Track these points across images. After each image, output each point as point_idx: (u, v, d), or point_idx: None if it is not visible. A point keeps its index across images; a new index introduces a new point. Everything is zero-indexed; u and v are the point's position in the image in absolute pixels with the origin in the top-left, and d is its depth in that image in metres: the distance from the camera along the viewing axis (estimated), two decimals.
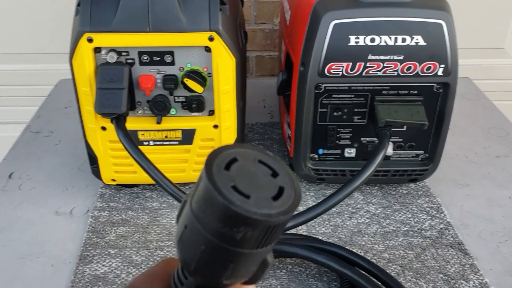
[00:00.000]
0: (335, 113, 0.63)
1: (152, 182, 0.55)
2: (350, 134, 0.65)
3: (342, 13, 0.58)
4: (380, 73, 0.59)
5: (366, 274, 0.52)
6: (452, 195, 0.70)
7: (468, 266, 0.58)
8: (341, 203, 0.67)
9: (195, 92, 0.59)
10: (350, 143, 0.66)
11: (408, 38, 0.58)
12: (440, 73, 0.59)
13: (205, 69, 0.59)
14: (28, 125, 0.86)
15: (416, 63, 0.59)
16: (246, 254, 0.22)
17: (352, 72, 0.59)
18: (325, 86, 0.61)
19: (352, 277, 0.52)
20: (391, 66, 0.59)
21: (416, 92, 0.61)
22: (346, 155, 0.67)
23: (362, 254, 0.60)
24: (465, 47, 1.18)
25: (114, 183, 0.67)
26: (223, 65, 0.58)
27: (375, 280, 0.52)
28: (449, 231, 0.63)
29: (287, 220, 0.22)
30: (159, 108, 0.60)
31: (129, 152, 0.54)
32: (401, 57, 0.58)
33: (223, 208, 0.20)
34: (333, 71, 0.59)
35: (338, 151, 0.67)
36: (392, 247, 0.61)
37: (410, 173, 0.67)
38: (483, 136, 0.83)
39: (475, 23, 1.18)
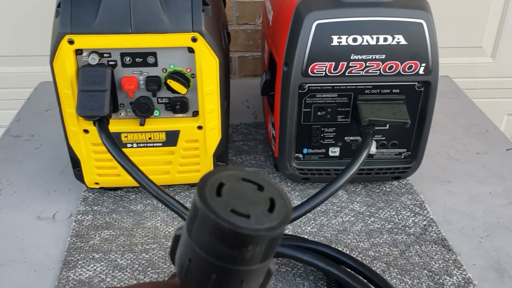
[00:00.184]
0: (319, 113, 0.64)
1: (136, 184, 0.55)
2: (334, 134, 0.66)
3: (324, 13, 0.58)
4: (362, 73, 0.60)
5: (352, 272, 0.53)
6: (435, 192, 0.71)
7: (451, 261, 0.59)
8: (326, 202, 0.67)
9: (179, 93, 0.59)
10: (334, 142, 0.66)
11: (389, 37, 0.58)
12: (421, 72, 0.60)
13: (188, 70, 0.59)
14: (8, 128, 0.84)
15: (398, 62, 0.59)
16: (255, 269, 0.23)
17: (335, 72, 0.60)
18: (309, 86, 0.61)
19: (338, 275, 0.52)
20: (373, 66, 0.60)
21: (398, 91, 0.62)
22: (331, 154, 0.67)
23: (347, 251, 0.60)
24: (445, 46, 1.20)
25: (98, 186, 0.66)
26: (207, 66, 0.58)
27: (361, 278, 0.52)
28: (432, 228, 0.64)
29: (285, 228, 0.23)
30: (142, 110, 0.60)
31: (112, 155, 0.53)
32: (383, 56, 0.59)
33: (232, 234, 0.21)
34: (317, 71, 0.60)
35: (323, 150, 0.67)
36: (377, 245, 0.62)
37: (393, 171, 0.68)
38: (463, 133, 0.84)
39: (454, 22, 1.20)
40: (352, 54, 0.59)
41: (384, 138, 0.66)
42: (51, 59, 0.57)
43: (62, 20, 0.55)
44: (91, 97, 0.56)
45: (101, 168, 0.64)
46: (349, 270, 0.53)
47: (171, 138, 0.62)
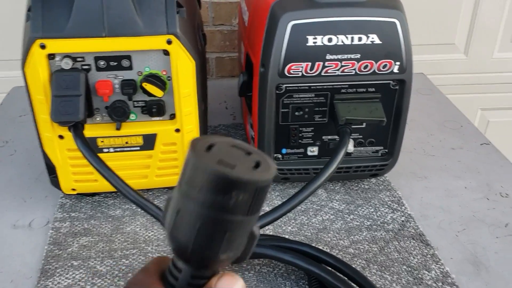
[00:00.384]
0: (296, 113, 0.64)
1: (114, 189, 0.54)
2: (312, 133, 0.66)
3: (299, 14, 0.58)
4: (338, 72, 0.60)
5: (333, 270, 0.53)
6: (412, 188, 0.72)
7: (429, 256, 0.60)
8: (306, 201, 0.68)
9: (155, 96, 0.59)
10: (312, 141, 0.67)
11: (364, 37, 0.59)
12: (395, 70, 0.61)
13: (164, 73, 0.59)
14: None
15: (373, 61, 0.60)
16: (239, 221, 0.24)
17: (312, 72, 0.60)
18: (286, 87, 0.62)
19: (319, 274, 0.52)
20: (349, 65, 0.60)
21: (373, 89, 0.63)
22: (309, 153, 0.68)
23: (328, 250, 0.61)
24: (419, 43, 1.22)
25: (75, 192, 0.65)
26: (183, 68, 0.58)
27: (342, 276, 0.53)
28: (410, 223, 0.65)
29: (269, 185, 0.24)
30: (118, 114, 0.59)
31: (88, 161, 0.52)
32: (358, 56, 0.60)
33: (216, 178, 0.22)
34: (293, 72, 0.60)
35: (301, 150, 0.67)
36: (357, 242, 0.62)
37: (371, 169, 0.69)
38: (438, 129, 0.86)
39: (427, 20, 1.22)
40: (328, 54, 0.59)
41: (361, 136, 0.67)
42: (22, 64, 0.55)
43: (33, 24, 0.54)
44: (65, 102, 0.55)
45: (77, 174, 0.63)
46: (330, 269, 0.53)
47: (149, 142, 0.62)
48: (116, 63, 0.57)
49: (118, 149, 0.62)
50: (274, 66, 0.60)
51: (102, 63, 0.57)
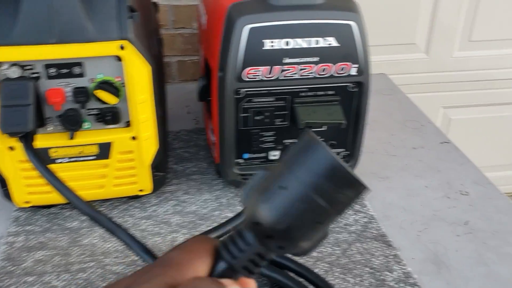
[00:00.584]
0: (257, 117, 0.63)
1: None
2: (274, 137, 0.66)
3: (255, 17, 0.58)
4: (297, 76, 0.60)
5: (295, 276, 0.53)
6: (374, 188, 0.72)
7: (392, 257, 0.60)
8: None
9: (109, 103, 0.57)
10: (274, 146, 0.66)
11: (321, 40, 0.59)
12: (353, 73, 0.61)
13: (118, 79, 0.57)
14: None
15: (331, 64, 0.60)
16: (332, 217, 0.25)
17: (270, 76, 0.59)
18: (245, 91, 0.61)
19: (281, 280, 0.52)
20: (307, 69, 0.60)
21: (333, 92, 0.63)
22: (271, 158, 0.67)
23: (290, 256, 0.60)
24: (380, 44, 1.23)
25: (28, 205, 0.63)
26: (137, 74, 0.56)
27: (304, 282, 0.52)
28: (372, 224, 0.65)
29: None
30: (71, 123, 0.57)
31: (39, 172, 0.50)
32: (316, 59, 0.59)
33: (340, 172, 0.24)
34: (251, 76, 0.59)
35: (263, 154, 0.67)
36: (320, 245, 0.62)
37: None
38: (400, 129, 0.86)
39: (388, 21, 1.24)
40: (285, 58, 0.59)
41: (322, 139, 0.67)
42: None
43: None
44: (14, 112, 0.53)
45: (31, 185, 0.61)
46: (292, 275, 0.53)
47: (104, 151, 0.60)
48: (67, 71, 0.55)
49: (72, 159, 0.60)
50: (232, 71, 0.59)
51: (52, 70, 0.55)
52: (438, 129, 0.87)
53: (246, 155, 0.66)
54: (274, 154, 0.67)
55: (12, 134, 0.53)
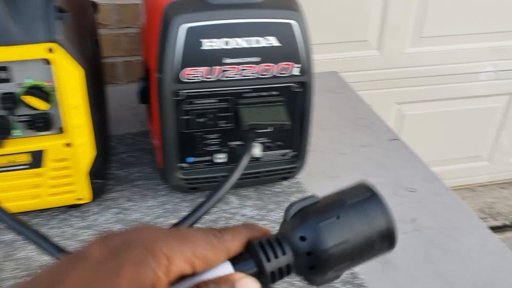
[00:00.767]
0: (199, 120, 0.61)
1: None
2: (218, 140, 0.64)
3: (193, 17, 0.56)
4: (238, 77, 0.58)
5: None
6: (323, 188, 0.70)
7: None
8: (217, 209, 0.65)
9: (39, 109, 0.54)
10: (219, 148, 0.64)
11: (261, 39, 0.57)
12: (296, 72, 0.60)
13: (48, 84, 0.54)
14: None
15: (273, 64, 0.59)
16: (361, 261, 0.28)
17: (210, 76, 0.58)
18: (185, 93, 0.59)
19: None
20: (249, 69, 0.58)
21: (276, 93, 0.61)
22: (217, 161, 0.65)
23: None
24: (332, 41, 1.23)
25: None
26: (69, 77, 0.53)
27: None
28: None
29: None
30: None
31: None
32: (258, 59, 0.58)
33: (390, 227, 0.29)
34: (190, 77, 0.57)
35: (208, 157, 0.65)
36: None
37: (280, 172, 0.68)
38: (349, 127, 0.86)
39: (339, 18, 1.24)
40: (226, 58, 0.57)
41: (269, 140, 0.65)
42: None
43: None
44: None
45: None
46: None
47: (37, 159, 0.56)
48: None
49: (2, 169, 0.56)
50: (169, 72, 0.56)
51: None
52: (387, 126, 0.87)
53: (190, 159, 0.64)
54: (220, 157, 0.65)
55: None
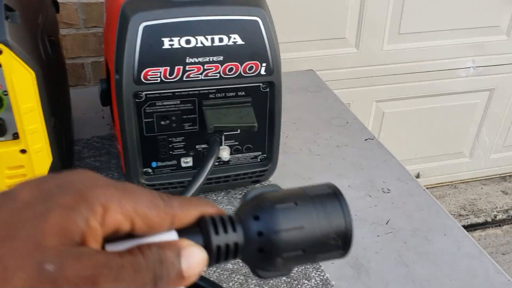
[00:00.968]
0: (162, 122, 0.59)
1: None
2: (184, 143, 0.61)
3: (151, 14, 0.53)
4: (202, 76, 0.56)
5: None
6: None
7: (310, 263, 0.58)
8: None
9: None
10: (185, 152, 0.62)
11: (225, 37, 0.55)
12: (263, 72, 0.58)
13: None
14: None
15: (237, 63, 0.56)
16: (312, 257, 0.27)
17: (172, 77, 0.55)
18: (146, 94, 0.56)
19: None
20: (212, 69, 0.56)
21: (243, 93, 0.59)
22: (183, 165, 0.63)
23: (205, 269, 0.56)
24: (309, 39, 1.21)
25: None
26: (20, 81, 0.50)
27: None
28: None
29: None
30: None
31: None
32: (221, 58, 0.55)
33: (350, 228, 0.27)
34: (151, 77, 0.55)
35: (174, 162, 0.62)
36: None
37: (251, 175, 0.66)
38: (325, 127, 0.84)
39: (317, 15, 1.22)
40: (188, 57, 0.54)
41: (237, 143, 0.63)
42: None
43: None
44: None
45: None
46: None
47: None
48: None
49: None
50: (128, 72, 0.54)
51: None
52: (363, 125, 0.85)
53: (155, 164, 0.61)
54: (186, 161, 0.62)
55: None
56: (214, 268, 0.56)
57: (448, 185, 1.71)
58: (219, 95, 0.59)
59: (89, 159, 0.73)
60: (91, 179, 0.24)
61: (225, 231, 0.26)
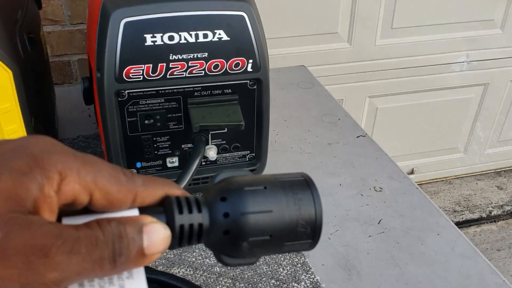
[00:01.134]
0: (146, 121, 0.57)
1: None
2: (169, 143, 0.59)
3: (133, 10, 0.51)
4: (186, 74, 0.54)
5: None
6: None
7: (300, 265, 0.56)
8: None
9: None
10: (170, 152, 0.60)
11: (210, 33, 0.53)
12: (249, 69, 0.56)
13: None
14: None
15: (223, 60, 0.54)
16: (279, 244, 0.26)
17: (155, 74, 0.53)
18: (128, 92, 0.54)
19: None
20: (197, 66, 0.54)
21: (230, 90, 0.57)
22: (169, 165, 0.61)
23: (191, 272, 0.55)
24: (301, 34, 1.19)
25: None
26: None
27: None
28: None
29: None
30: None
31: None
32: (206, 54, 0.54)
33: (319, 221, 0.26)
34: (133, 75, 0.53)
35: (159, 162, 0.60)
36: None
37: None
38: (316, 124, 0.83)
39: (309, 10, 1.20)
40: (171, 54, 0.53)
41: (224, 141, 0.61)
42: None
43: None
44: None
45: None
46: None
47: None
48: None
49: None
50: (109, 70, 0.52)
51: None
52: (355, 122, 0.84)
53: (140, 164, 0.60)
54: (172, 161, 0.61)
55: None
56: (201, 272, 0.55)
57: (442, 180, 1.70)
58: (204, 93, 0.57)
59: None
60: (49, 145, 0.22)
61: (190, 211, 0.25)
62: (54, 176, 0.21)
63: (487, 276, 0.55)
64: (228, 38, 0.54)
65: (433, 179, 1.68)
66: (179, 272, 0.55)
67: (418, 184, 1.42)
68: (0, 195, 0.19)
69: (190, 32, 0.52)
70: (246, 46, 0.55)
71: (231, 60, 0.55)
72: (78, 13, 0.91)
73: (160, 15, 0.51)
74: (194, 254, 0.57)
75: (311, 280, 0.54)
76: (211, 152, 0.60)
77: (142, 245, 0.22)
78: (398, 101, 1.42)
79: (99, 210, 0.23)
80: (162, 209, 0.25)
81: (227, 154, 0.62)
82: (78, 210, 0.22)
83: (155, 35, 0.51)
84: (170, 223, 0.24)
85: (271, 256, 0.57)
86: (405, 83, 1.39)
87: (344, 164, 0.73)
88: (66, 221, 0.22)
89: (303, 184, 0.27)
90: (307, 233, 0.26)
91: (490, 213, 1.63)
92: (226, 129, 0.60)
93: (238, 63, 0.55)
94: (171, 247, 0.24)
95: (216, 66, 0.55)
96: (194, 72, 0.54)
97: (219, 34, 0.53)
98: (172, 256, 0.57)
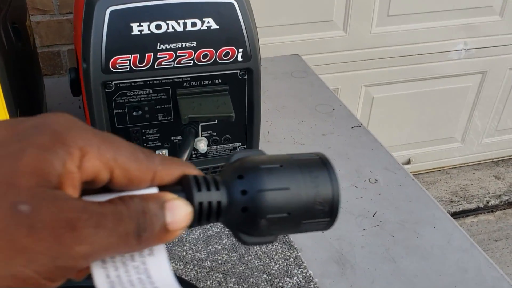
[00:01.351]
0: (134, 113, 0.55)
1: None
2: (158, 135, 0.58)
3: None
4: (174, 64, 0.52)
5: None
6: None
7: (292, 259, 0.55)
8: None
9: None
10: (160, 144, 0.59)
11: (198, 22, 0.51)
12: (240, 58, 0.54)
13: None
14: None
15: (212, 49, 0.53)
16: (297, 222, 0.26)
17: (142, 65, 0.52)
18: (115, 83, 0.53)
19: None
20: (185, 55, 0.52)
21: (220, 81, 0.56)
22: None
23: (181, 267, 0.54)
24: (295, 22, 1.17)
25: None
26: None
27: None
28: None
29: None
30: None
31: None
32: (194, 44, 0.52)
33: (338, 195, 0.26)
34: (120, 66, 0.51)
35: None
36: (215, 252, 0.56)
37: None
38: (310, 114, 0.81)
39: None
40: (159, 44, 0.51)
41: (215, 133, 0.60)
42: None
43: None
44: None
45: None
46: None
47: None
48: None
49: None
50: (95, 61, 0.50)
51: None
52: (350, 112, 0.82)
53: None
54: (161, 154, 0.59)
55: None
56: (191, 266, 0.54)
57: (439, 170, 1.69)
58: (193, 83, 0.55)
59: None
60: (69, 122, 0.22)
61: (208, 189, 0.25)
62: (76, 152, 0.21)
63: (484, 270, 0.54)
64: (217, 27, 0.52)
65: (430, 169, 1.67)
66: None
67: (414, 174, 1.42)
68: (26, 170, 0.20)
69: (178, 21, 0.51)
70: (236, 34, 0.53)
71: (220, 49, 0.53)
72: (67, 3, 0.88)
73: (146, 3, 0.50)
74: (185, 248, 0.56)
75: (304, 274, 0.53)
76: (201, 144, 0.59)
77: (165, 221, 0.22)
78: (395, 90, 1.40)
79: (119, 188, 0.23)
80: (181, 187, 0.25)
81: (218, 146, 0.61)
82: (97, 189, 0.23)
83: (141, 24, 0.50)
84: (189, 200, 0.24)
85: (263, 250, 0.56)
86: (402, 71, 1.37)
87: (338, 155, 0.72)
88: (88, 199, 0.22)
89: (319, 163, 0.27)
90: (324, 211, 0.26)
91: (488, 203, 1.62)
92: (216, 120, 0.59)
93: (228, 52, 0.53)
94: (191, 225, 0.24)
95: (205, 56, 0.53)
96: (182, 62, 0.53)
97: (208, 22, 0.51)
98: None
